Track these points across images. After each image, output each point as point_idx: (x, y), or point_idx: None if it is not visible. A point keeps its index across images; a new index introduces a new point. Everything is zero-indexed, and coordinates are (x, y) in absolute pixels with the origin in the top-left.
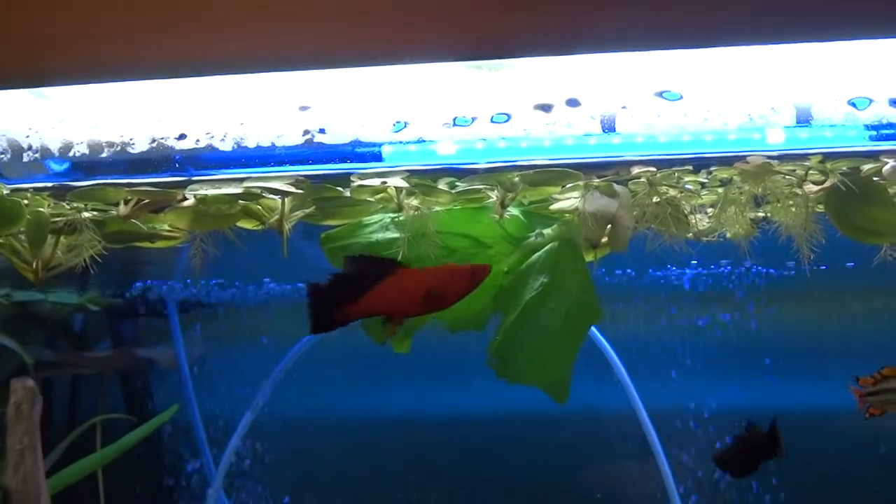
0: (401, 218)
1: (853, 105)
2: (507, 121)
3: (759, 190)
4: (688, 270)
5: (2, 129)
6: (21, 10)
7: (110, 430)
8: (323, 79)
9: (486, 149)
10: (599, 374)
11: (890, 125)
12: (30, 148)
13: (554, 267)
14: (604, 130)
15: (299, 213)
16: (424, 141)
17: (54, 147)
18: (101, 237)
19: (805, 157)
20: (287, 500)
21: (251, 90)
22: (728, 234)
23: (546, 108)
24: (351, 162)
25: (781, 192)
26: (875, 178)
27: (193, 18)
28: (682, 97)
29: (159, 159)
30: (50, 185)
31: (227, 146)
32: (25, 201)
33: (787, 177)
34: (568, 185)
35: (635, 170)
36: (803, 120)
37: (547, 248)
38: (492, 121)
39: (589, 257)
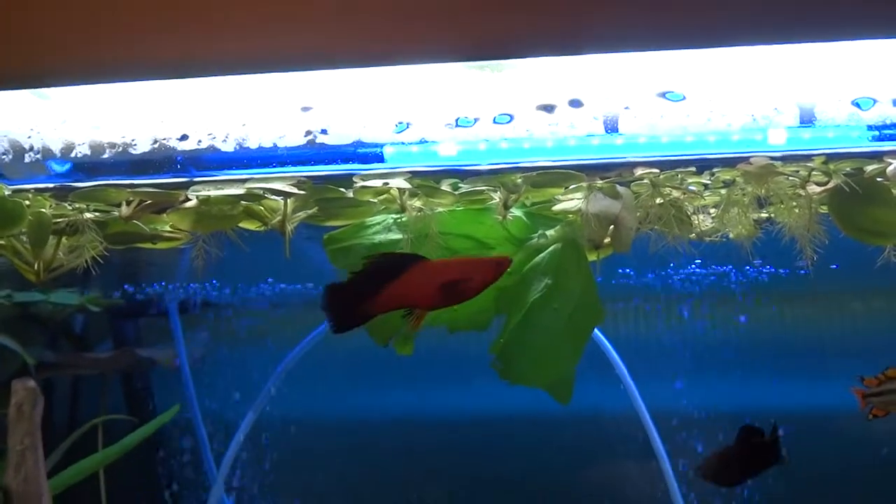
0: (403, 219)
1: (857, 105)
2: (509, 121)
3: (763, 191)
4: (691, 270)
5: (3, 130)
6: (21, 11)
7: (112, 430)
8: (325, 79)
9: (488, 150)
10: (601, 374)
11: (894, 125)
12: (31, 149)
13: (557, 268)
14: (607, 131)
15: (301, 214)
16: (427, 142)
17: (56, 148)
18: (102, 238)
19: (808, 157)
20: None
21: (253, 91)
22: (731, 235)
23: (549, 108)
24: (353, 163)
25: (785, 193)
26: (879, 179)
27: (194, 19)
28: (685, 98)
29: (161, 160)
30: (52, 185)
31: (228, 147)
32: (27, 202)
33: (790, 178)
34: (571, 187)
35: (638, 171)
36: (807, 120)
37: (550, 249)
38: (494, 121)
39: (591, 258)
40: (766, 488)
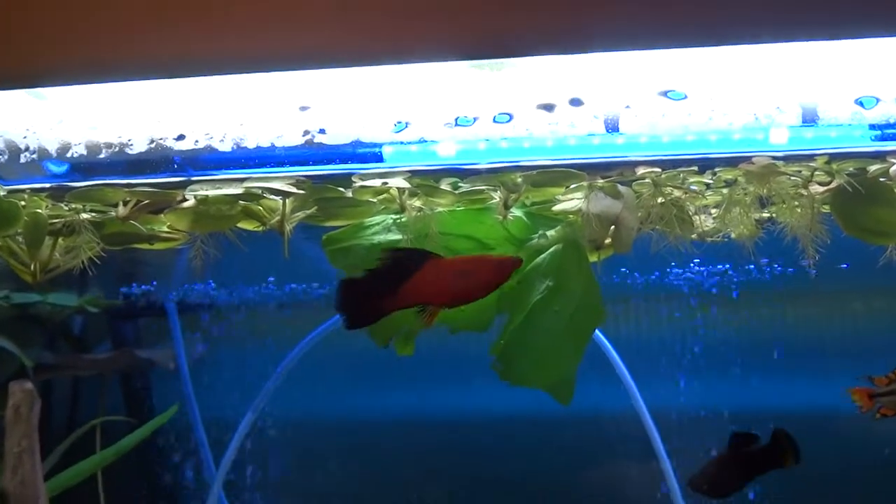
0: (403, 219)
1: (860, 104)
2: (509, 121)
3: (765, 191)
4: (695, 269)
5: None
6: (18, 10)
7: (112, 431)
8: (323, 78)
9: (488, 149)
10: (602, 374)
11: None
12: (27, 149)
13: (558, 269)
14: (608, 130)
15: (300, 214)
16: (426, 141)
17: (52, 148)
18: (99, 239)
19: (811, 157)
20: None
21: (250, 90)
22: (733, 235)
23: (549, 107)
24: (352, 162)
25: (787, 193)
26: (882, 179)
27: (191, 18)
28: (686, 97)
29: (158, 160)
30: (48, 185)
31: (226, 146)
32: (23, 202)
33: (792, 178)
34: (571, 186)
35: (640, 170)
36: (809, 119)
37: (551, 250)
38: (494, 121)
39: (592, 258)
40: (772, 489)
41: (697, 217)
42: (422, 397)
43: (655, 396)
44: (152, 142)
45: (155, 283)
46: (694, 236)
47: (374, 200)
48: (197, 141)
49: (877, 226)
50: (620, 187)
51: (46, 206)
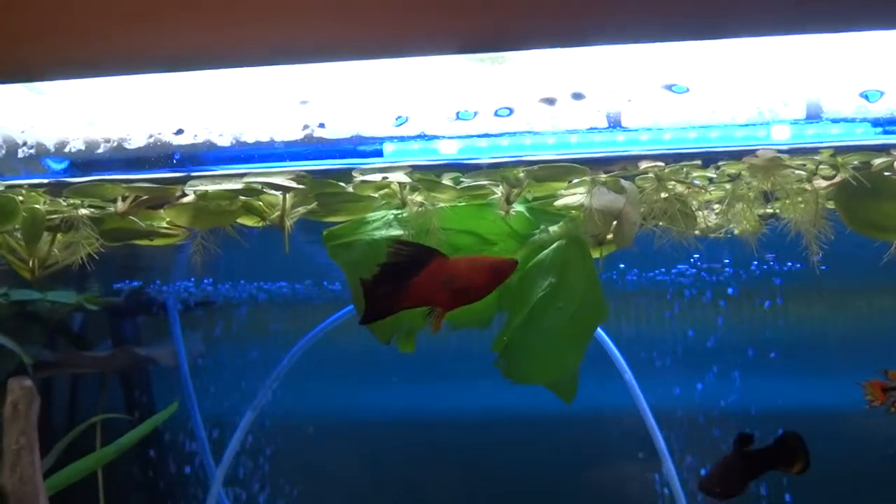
0: (404, 214)
1: (865, 97)
2: (510, 115)
3: (768, 185)
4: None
5: None
6: (17, 4)
7: (112, 428)
8: (322, 73)
9: (489, 143)
10: (603, 374)
11: None
12: (25, 144)
13: (561, 266)
14: (610, 124)
15: (301, 210)
16: (426, 135)
17: (50, 143)
18: (98, 234)
19: (815, 151)
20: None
21: (250, 85)
22: (736, 231)
23: (551, 101)
24: (352, 157)
25: (791, 187)
26: (887, 174)
27: (191, 12)
28: (688, 90)
29: (157, 155)
30: (46, 181)
31: (225, 141)
32: (21, 198)
33: (796, 171)
34: (574, 181)
35: (643, 164)
36: (814, 113)
37: (554, 246)
38: (495, 114)
39: (595, 254)
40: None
41: (701, 213)
42: (421, 395)
43: (656, 395)
44: (151, 137)
45: (158, 281)
46: (697, 232)
47: (376, 196)
48: (196, 136)
49: (882, 220)
50: (623, 182)
51: (44, 202)
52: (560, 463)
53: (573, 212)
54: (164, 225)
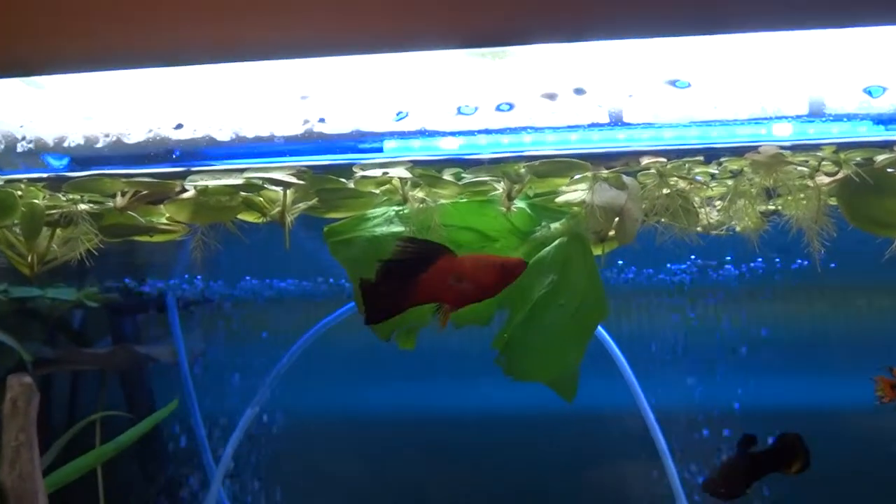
0: (405, 211)
1: (868, 93)
2: (511, 110)
3: (770, 181)
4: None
5: None
6: (15, 0)
7: (112, 425)
8: (323, 67)
9: (490, 138)
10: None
11: None
12: (24, 139)
13: (563, 264)
14: (611, 120)
15: (302, 206)
16: (427, 130)
17: (49, 138)
18: (98, 230)
19: (818, 147)
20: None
21: (249, 80)
22: (738, 228)
23: (552, 96)
24: (352, 152)
25: (793, 183)
26: (890, 170)
27: (192, 5)
28: (690, 85)
29: (156, 150)
30: (45, 176)
31: (224, 136)
32: (20, 192)
33: (798, 168)
34: (576, 177)
35: (645, 160)
36: (817, 109)
37: (555, 243)
38: (497, 109)
39: (597, 251)
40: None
41: (703, 209)
42: (421, 393)
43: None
44: (151, 131)
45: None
46: (699, 229)
47: (377, 191)
48: (195, 130)
49: (885, 217)
50: (625, 178)
51: (44, 197)
52: (560, 462)
53: (575, 208)
54: (164, 221)
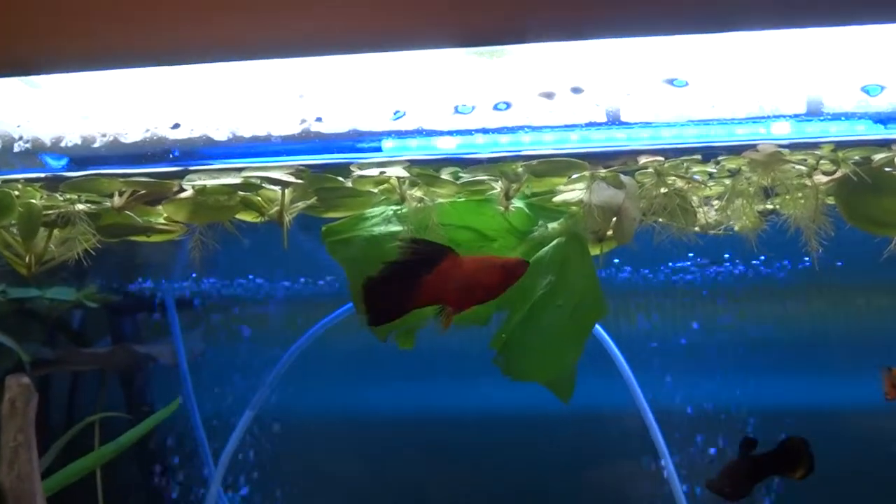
0: (403, 210)
1: (866, 92)
2: (508, 109)
3: (768, 180)
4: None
5: None
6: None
7: (111, 425)
8: (319, 67)
9: (487, 137)
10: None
11: None
12: (21, 138)
13: (561, 264)
14: (609, 119)
15: (300, 205)
16: (424, 130)
17: (46, 138)
18: (95, 230)
19: (816, 146)
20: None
21: (246, 79)
22: (736, 227)
23: (549, 95)
24: (350, 152)
25: (791, 182)
26: (888, 169)
27: (189, 5)
28: (688, 83)
29: (153, 149)
30: (42, 175)
31: (222, 136)
32: (17, 192)
33: (796, 167)
34: (573, 176)
35: (642, 159)
36: (814, 108)
37: (553, 243)
38: (494, 108)
39: (595, 251)
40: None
41: (701, 209)
42: (419, 393)
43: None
44: (147, 131)
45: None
46: (697, 228)
47: (375, 191)
48: (192, 129)
49: (883, 216)
50: (623, 177)
51: (41, 197)
52: (560, 462)
53: (573, 208)
54: (162, 221)
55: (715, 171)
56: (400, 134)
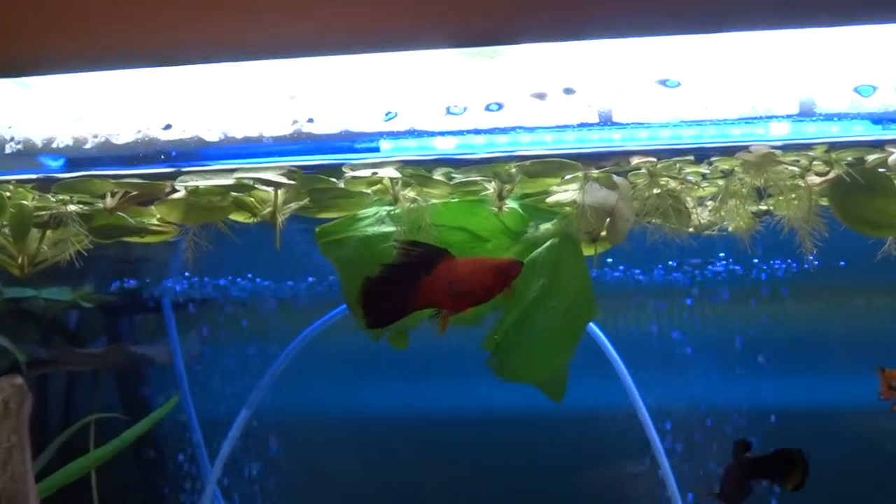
0: (397, 211)
1: (858, 93)
2: (500, 109)
3: (761, 181)
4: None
5: None
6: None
7: (108, 424)
8: (311, 67)
9: (480, 138)
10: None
11: None
12: (12, 139)
13: (555, 265)
14: (601, 119)
15: (293, 206)
16: (416, 130)
17: (38, 139)
18: (87, 231)
19: (809, 146)
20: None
21: (238, 80)
22: (730, 228)
23: (541, 96)
24: (341, 153)
25: (784, 183)
26: (881, 170)
27: (180, 6)
28: (680, 84)
29: (145, 151)
30: (34, 176)
31: (213, 137)
32: (8, 193)
33: (789, 167)
34: (567, 177)
35: (635, 160)
36: (807, 108)
37: (547, 244)
38: (486, 109)
39: (588, 252)
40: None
41: (695, 210)
42: (417, 393)
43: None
44: (139, 132)
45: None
46: (691, 229)
47: (368, 191)
48: (184, 130)
49: (876, 217)
50: (616, 178)
51: (33, 198)
52: (559, 462)
53: (566, 208)
54: (155, 221)
55: (708, 172)
56: (392, 135)
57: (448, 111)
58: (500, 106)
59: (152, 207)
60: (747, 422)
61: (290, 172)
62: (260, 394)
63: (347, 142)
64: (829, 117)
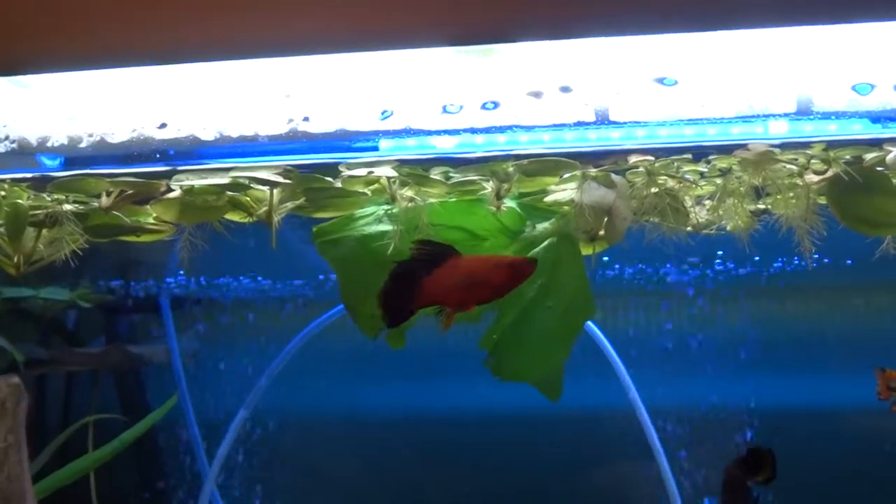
0: (394, 210)
1: (856, 91)
2: (496, 108)
3: (759, 180)
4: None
5: None
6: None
7: (107, 424)
8: (307, 66)
9: (477, 136)
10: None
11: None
12: (7, 138)
13: (553, 265)
14: (597, 118)
15: (289, 205)
16: (412, 129)
17: (34, 138)
18: (83, 230)
19: (807, 145)
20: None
21: (233, 78)
22: (728, 227)
23: (538, 94)
24: (337, 151)
25: (782, 182)
26: (879, 168)
27: (176, 4)
28: (677, 82)
29: (140, 150)
30: (29, 175)
31: (209, 135)
32: (3, 193)
33: (787, 166)
34: (564, 175)
35: (633, 159)
36: (805, 107)
37: (545, 244)
38: (482, 108)
39: (587, 251)
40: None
41: (693, 208)
42: (416, 393)
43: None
44: (134, 131)
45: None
46: (689, 228)
47: (365, 191)
48: (180, 130)
49: (875, 216)
50: (613, 176)
51: (28, 197)
52: (559, 462)
53: (564, 207)
54: (151, 221)
55: (706, 170)
56: (388, 133)
57: (444, 110)
58: (496, 104)
59: (148, 206)
60: (747, 422)
61: (286, 171)
62: (258, 394)
63: (343, 140)
64: (827, 115)
